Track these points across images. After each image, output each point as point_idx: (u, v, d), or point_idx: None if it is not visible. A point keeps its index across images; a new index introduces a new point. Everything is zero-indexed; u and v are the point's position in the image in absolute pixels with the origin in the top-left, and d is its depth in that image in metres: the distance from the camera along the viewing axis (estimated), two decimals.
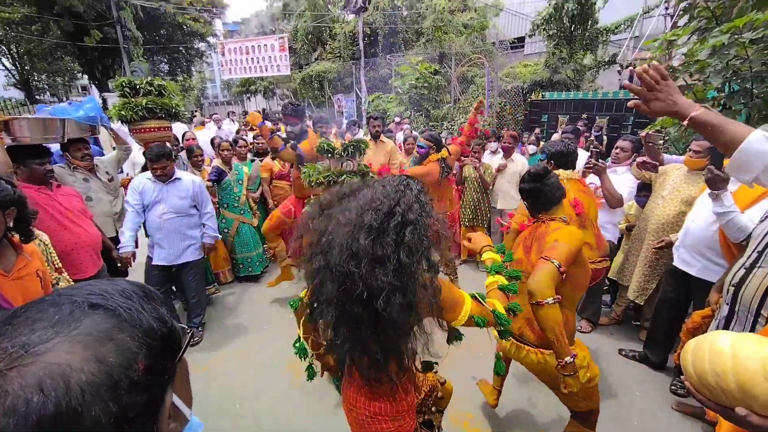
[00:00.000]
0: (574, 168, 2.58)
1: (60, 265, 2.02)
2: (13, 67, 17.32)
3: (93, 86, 18.52)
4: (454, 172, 4.53)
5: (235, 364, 2.91)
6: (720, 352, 0.79)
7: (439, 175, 3.30)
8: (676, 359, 2.43)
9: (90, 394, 0.36)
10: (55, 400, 0.34)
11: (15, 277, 1.56)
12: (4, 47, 16.11)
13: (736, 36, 3.43)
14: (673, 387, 2.55)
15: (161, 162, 2.82)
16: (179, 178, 2.99)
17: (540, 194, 1.78)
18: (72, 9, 13.54)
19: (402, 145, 5.03)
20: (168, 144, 3.28)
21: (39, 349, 0.36)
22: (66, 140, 2.68)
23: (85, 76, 18.82)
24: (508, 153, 4.33)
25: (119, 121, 3.36)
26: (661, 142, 3.36)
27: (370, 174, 2.63)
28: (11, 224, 1.55)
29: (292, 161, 3.26)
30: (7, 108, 10.06)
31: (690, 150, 2.63)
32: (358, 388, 1.22)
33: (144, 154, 3.79)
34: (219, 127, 8.54)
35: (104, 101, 14.30)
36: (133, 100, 3.22)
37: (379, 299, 0.93)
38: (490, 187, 4.35)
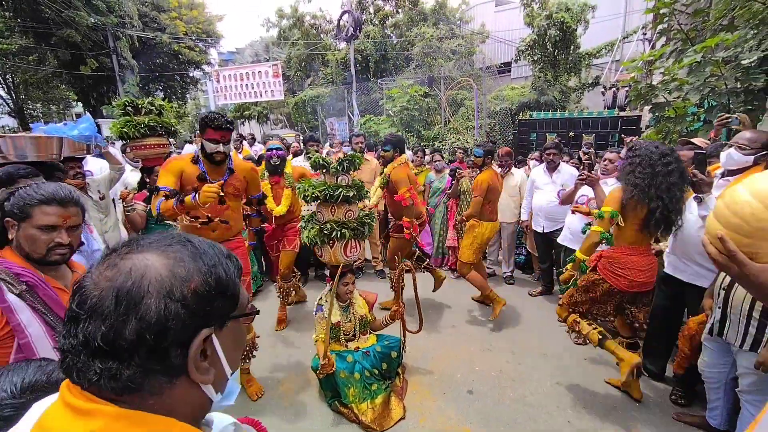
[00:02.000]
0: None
1: None
2: (8, 96, 17.44)
3: (87, 113, 18.69)
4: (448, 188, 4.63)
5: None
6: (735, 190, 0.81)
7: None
8: (675, 368, 2.42)
9: (154, 288, 0.50)
10: (131, 280, 0.50)
11: None
12: (0, 78, 16.26)
13: (709, 55, 3.62)
14: (673, 396, 2.52)
15: None
16: None
17: None
18: (69, 39, 13.81)
19: None
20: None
21: (141, 250, 0.54)
22: (62, 158, 2.70)
23: (80, 104, 18.99)
24: (505, 169, 4.42)
25: (119, 139, 3.48)
26: None
27: (365, 189, 2.67)
28: None
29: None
30: None
31: None
32: None
33: (141, 170, 3.82)
34: None
35: (98, 127, 14.48)
36: (135, 118, 3.35)
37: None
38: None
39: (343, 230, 2.47)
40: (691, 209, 2.28)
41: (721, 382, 2.10)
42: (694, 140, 3.14)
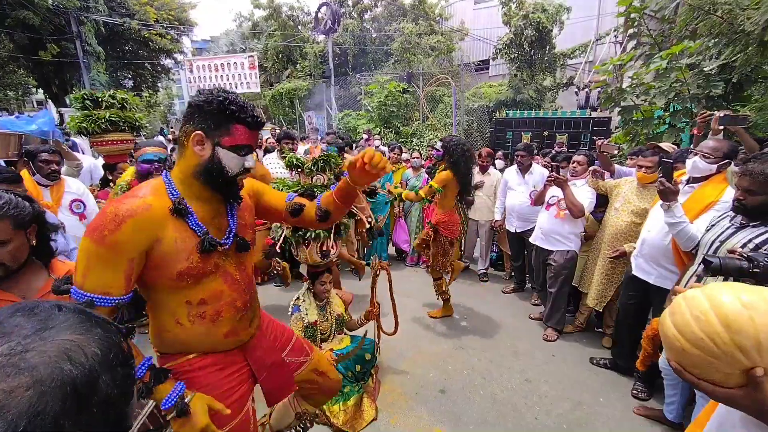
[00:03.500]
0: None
1: None
2: None
3: (49, 101, 17.65)
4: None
5: None
6: (693, 296, 0.79)
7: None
8: (638, 365, 2.51)
9: (99, 363, 0.44)
10: (80, 366, 0.42)
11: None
12: None
13: (674, 62, 3.76)
14: (634, 391, 2.63)
15: None
16: None
17: None
18: (26, 22, 12.94)
19: None
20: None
21: (48, 335, 0.44)
22: (21, 156, 2.53)
23: (41, 91, 17.91)
24: (484, 169, 4.48)
25: (79, 134, 3.28)
26: (616, 152, 3.57)
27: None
28: (34, 242, 1.34)
29: None
30: None
31: (641, 167, 2.79)
32: None
33: (103, 166, 3.63)
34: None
35: (61, 116, 13.70)
36: (95, 112, 3.20)
37: None
38: (473, 202, 4.47)
39: (318, 231, 2.43)
40: (658, 216, 2.36)
41: (678, 380, 2.20)
42: (661, 144, 3.25)
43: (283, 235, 2.51)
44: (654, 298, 2.56)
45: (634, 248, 2.62)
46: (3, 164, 2.01)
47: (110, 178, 3.44)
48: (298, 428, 2.00)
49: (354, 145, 7.18)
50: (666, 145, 3.23)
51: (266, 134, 8.13)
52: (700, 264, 1.98)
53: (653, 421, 2.40)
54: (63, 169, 3.21)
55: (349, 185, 1.39)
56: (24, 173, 2.71)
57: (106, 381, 0.44)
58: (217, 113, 1.11)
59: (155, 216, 1.09)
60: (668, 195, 2.10)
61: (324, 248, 2.50)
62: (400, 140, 10.03)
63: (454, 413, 2.50)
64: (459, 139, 3.25)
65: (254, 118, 1.16)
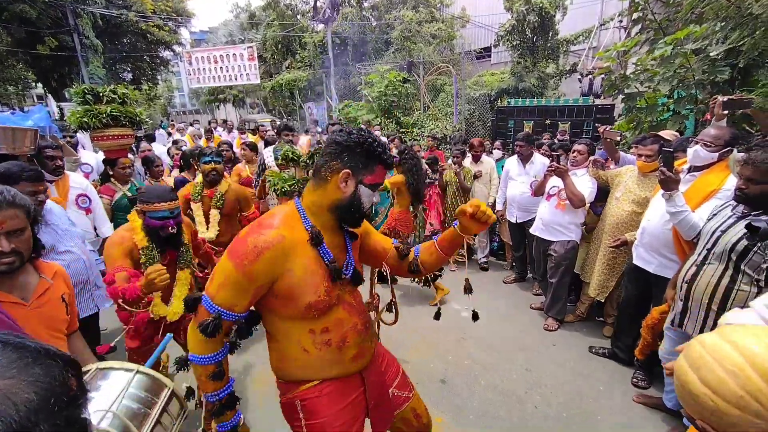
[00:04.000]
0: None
1: None
2: None
3: (49, 96, 17.61)
4: (435, 177, 4.69)
5: None
6: (717, 347, 0.72)
7: None
8: (638, 354, 2.51)
9: (35, 410, 0.39)
10: (7, 420, 0.37)
11: (35, 306, 1.32)
12: None
13: (679, 47, 3.68)
14: (634, 380, 2.64)
15: None
16: None
17: None
18: (23, 15, 12.84)
19: None
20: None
21: None
22: (37, 152, 2.55)
23: (40, 85, 17.87)
24: (476, 158, 4.53)
25: (80, 129, 3.30)
26: (618, 138, 3.52)
27: None
28: None
29: None
30: None
31: (641, 155, 2.75)
32: None
33: (104, 161, 3.64)
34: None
35: (61, 111, 13.66)
36: (96, 107, 3.19)
37: None
38: (470, 191, 4.49)
39: None
40: (658, 205, 2.33)
41: None
42: (662, 133, 3.20)
43: None
44: (655, 288, 2.55)
45: (635, 237, 2.61)
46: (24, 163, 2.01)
47: (111, 173, 3.44)
48: None
49: None
50: (667, 134, 3.18)
51: (267, 125, 8.09)
52: (699, 253, 1.97)
53: (652, 409, 2.41)
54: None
55: (459, 235, 1.38)
56: None
57: (45, 430, 0.39)
58: (366, 154, 1.19)
59: (287, 247, 1.14)
60: (669, 184, 2.07)
61: None
62: (401, 130, 9.95)
63: (455, 403, 2.52)
64: (414, 153, 3.47)
65: (391, 158, 1.26)
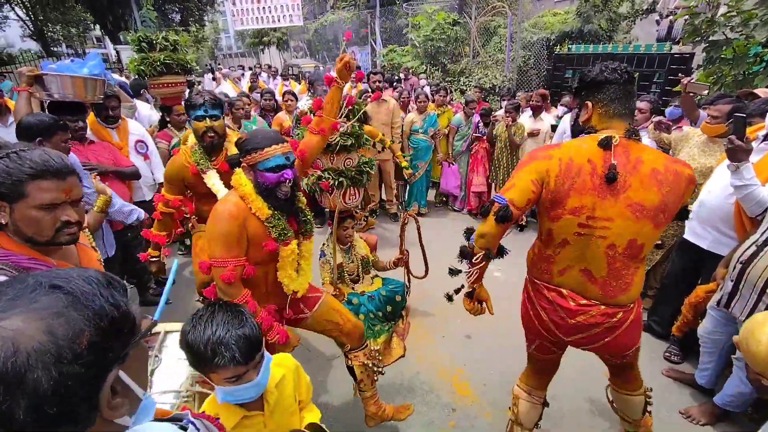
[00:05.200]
0: None
1: None
2: (27, 17, 17.12)
3: (106, 38, 18.24)
4: (482, 131, 4.50)
5: None
6: None
7: None
8: (675, 330, 2.43)
9: (35, 359, 0.41)
10: (3, 359, 0.40)
11: None
12: None
13: None
14: (666, 354, 2.58)
15: None
16: None
17: None
18: None
19: (414, 101, 4.87)
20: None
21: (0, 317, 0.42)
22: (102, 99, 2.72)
23: (98, 26, 18.50)
24: (537, 111, 4.20)
25: (138, 76, 3.46)
26: (706, 92, 3.10)
27: (365, 137, 2.62)
28: None
29: None
30: (25, 60, 10.10)
31: (707, 115, 2.44)
32: None
33: (160, 108, 3.83)
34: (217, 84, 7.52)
35: (117, 54, 14.21)
36: (150, 55, 3.27)
37: None
38: (519, 147, 4.27)
39: (341, 179, 2.51)
40: (722, 176, 2.10)
41: (717, 348, 2.12)
42: (756, 91, 2.77)
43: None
44: (706, 265, 2.38)
45: (691, 209, 2.40)
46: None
47: (168, 119, 3.61)
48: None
49: (394, 84, 6.88)
50: (762, 91, 2.75)
51: (311, 70, 7.95)
52: (763, 233, 1.79)
53: (681, 385, 2.38)
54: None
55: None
56: (90, 117, 2.92)
57: (38, 377, 0.41)
58: None
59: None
60: (738, 154, 1.83)
61: (347, 196, 2.59)
62: (447, 79, 9.42)
63: (478, 358, 2.62)
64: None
65: None
